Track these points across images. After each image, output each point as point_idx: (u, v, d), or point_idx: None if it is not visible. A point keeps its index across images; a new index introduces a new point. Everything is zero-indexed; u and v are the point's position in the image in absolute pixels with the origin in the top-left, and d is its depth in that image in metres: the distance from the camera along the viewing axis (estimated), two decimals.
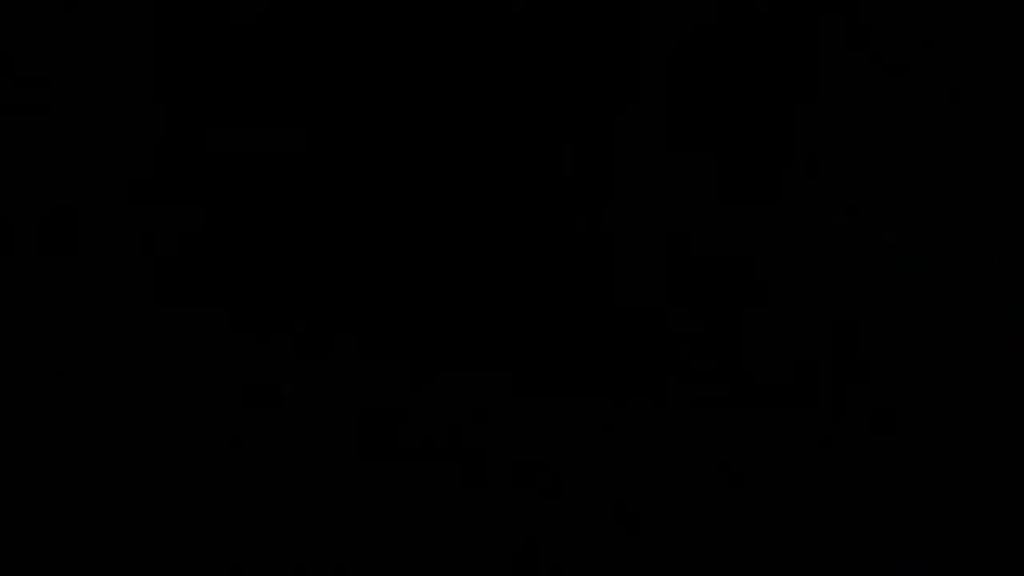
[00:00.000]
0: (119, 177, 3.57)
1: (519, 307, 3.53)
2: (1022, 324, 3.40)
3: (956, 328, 3.42)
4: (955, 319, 3.42)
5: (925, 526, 3.29)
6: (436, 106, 3.56)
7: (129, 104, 3.56)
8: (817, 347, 3.46)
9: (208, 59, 3.57)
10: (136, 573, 3.28)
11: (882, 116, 3.48)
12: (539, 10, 3.53)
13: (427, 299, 3.55)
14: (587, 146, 3.54)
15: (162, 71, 3.57)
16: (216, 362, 3.50)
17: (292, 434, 3.45)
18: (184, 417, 3.45)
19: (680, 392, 3.46)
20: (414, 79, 3.56)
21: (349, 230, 3.58)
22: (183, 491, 3.37)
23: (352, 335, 3.53)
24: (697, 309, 3.50)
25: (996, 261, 3.42)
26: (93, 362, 3.49)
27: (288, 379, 3.50)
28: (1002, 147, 3.46)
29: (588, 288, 3.53)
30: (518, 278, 3.54)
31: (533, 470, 3.41)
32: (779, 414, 3.42)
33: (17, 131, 3.54)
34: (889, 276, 3.45)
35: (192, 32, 3.56)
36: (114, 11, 3.55)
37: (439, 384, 3.49)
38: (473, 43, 3.54)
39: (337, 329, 3.54)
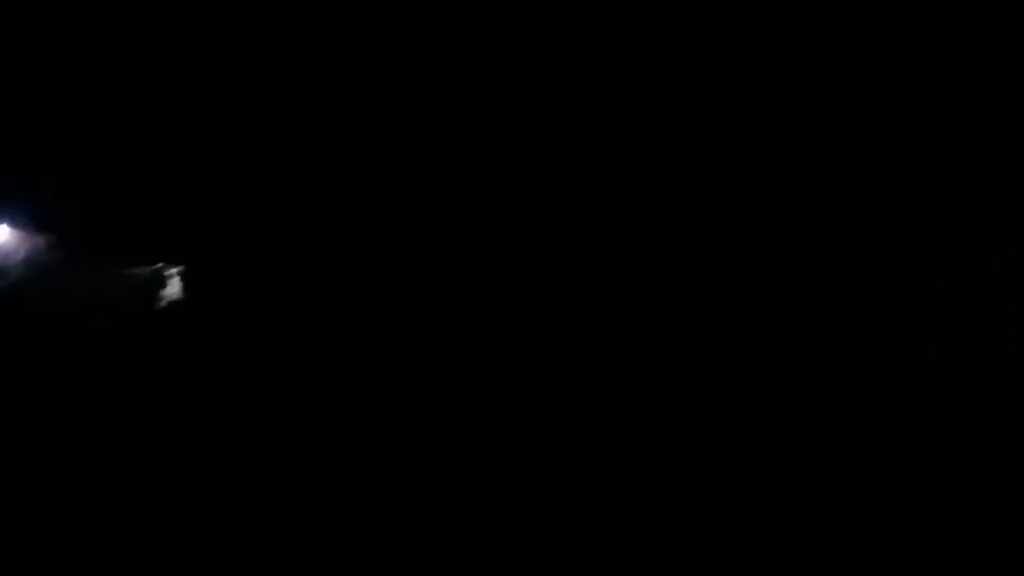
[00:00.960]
0: (119, 177, 3.57)
1: (519, 307, 3.54)
2: (1022, 324, 3.41)
3: (956, 328, 3.42)
4: (955, 319, 3.43)
5: (924, 526, 3.30)
6: (436, 106, 3.57)
7: (129, 104, 3.57)
8: (817, 346, 3.47)
9: (208, 59, 3.57)
10: (136, 573, 3.29)
11: (882, 116, 3.48)
12: (539, 10, 3.53)
13: (427, 299, 3.56)
14: (587, 146, 3.55)
15: (162, 71, 3.57)
16: (216, 362, 3.51)
17: (291, 442, 3.46)
18: (185, 417, 3.46)
19: (680, 392, 3.46)
20: (414, 79, 3.56)
21: (349, 230, 3.58)
22: (184, 490, 3.38)
23: (352, 334, 3.55)
24: (697, 309, 3.50)
25: (996, 261, 3.43)
26: (93, 362, 3.49)
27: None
28: (1002, 147, 3.46)
29: (588, 288, 3.53)
30: (518, 277, 3.54)
31: (535, 470, 3.41)
32: (778, 414, 3.43)
33: (17, 131, 3.54)
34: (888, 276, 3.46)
35: (192, 32, 3.56)
36: (114, 11, 3.55)
37: (439, 384, 3.49)
38: (473, 43, 3.55)
39: (337, 327, 3.55)
